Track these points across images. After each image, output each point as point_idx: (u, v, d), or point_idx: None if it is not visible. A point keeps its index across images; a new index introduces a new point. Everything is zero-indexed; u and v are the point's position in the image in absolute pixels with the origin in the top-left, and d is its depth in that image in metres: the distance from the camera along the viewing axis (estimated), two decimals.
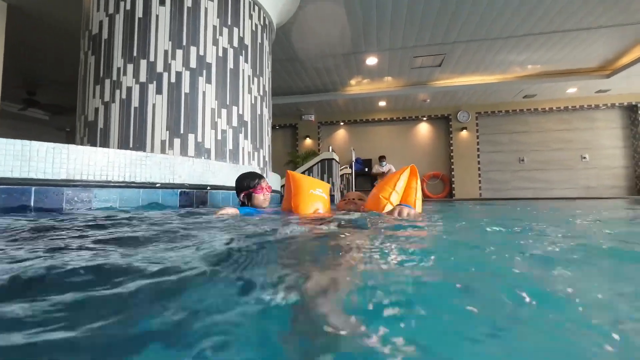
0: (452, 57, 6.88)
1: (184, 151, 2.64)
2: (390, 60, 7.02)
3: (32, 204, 1.72)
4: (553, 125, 9.52)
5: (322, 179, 6.15)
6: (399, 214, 1.57)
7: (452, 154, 9.90)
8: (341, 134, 10.89)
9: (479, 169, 9.74)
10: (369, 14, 5.26)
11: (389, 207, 1.69)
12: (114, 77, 2.66)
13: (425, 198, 9.88)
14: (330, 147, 6.37)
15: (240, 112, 3.13)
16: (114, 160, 2.05)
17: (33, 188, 1.73)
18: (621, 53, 6.81)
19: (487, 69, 7.53)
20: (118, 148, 2.57)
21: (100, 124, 2.68)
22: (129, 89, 2.65)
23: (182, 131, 2.64)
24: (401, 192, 1.73)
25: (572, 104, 9.16)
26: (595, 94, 8.71)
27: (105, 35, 2.74)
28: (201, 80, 2.79)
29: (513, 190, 9.65)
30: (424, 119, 10.21)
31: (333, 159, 6.14)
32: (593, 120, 9.29)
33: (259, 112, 3.43)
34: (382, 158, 9.62)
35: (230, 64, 3.02)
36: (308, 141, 10.70)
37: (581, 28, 5.74)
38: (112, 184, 2.03)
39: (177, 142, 2.62)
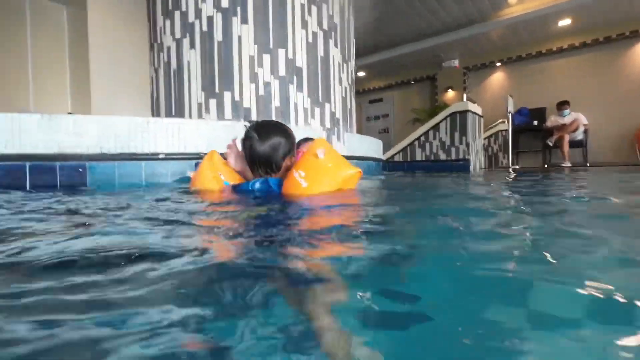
0: None
1: (221, 114, 2.20)
2: None
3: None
4: None
5: (452, 138, 4.74)
6: None
7: None
8: (497, 78, 8.39)
9: None
10: None
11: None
12: (159, 40, 2.44)
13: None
14: (465, 96, 4.75)
15: (290, 55, 2.39)
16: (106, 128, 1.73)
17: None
18: None
19: None
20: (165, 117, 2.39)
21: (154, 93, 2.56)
22: (168, 49, 2.37)
23: (217, 89, 2.19)
24: None
25: None
26: None
27: None
28: (235, 21, 2.20)
29: None
30: None
31: (468, 110, 4.57)
32: None
33: (321, 53, 2.57)
34: (563, 105, 6.77)
35: None
36: (450, 93, 8.78)
37: None
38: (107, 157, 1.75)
39: (212, 103, 2.20)
